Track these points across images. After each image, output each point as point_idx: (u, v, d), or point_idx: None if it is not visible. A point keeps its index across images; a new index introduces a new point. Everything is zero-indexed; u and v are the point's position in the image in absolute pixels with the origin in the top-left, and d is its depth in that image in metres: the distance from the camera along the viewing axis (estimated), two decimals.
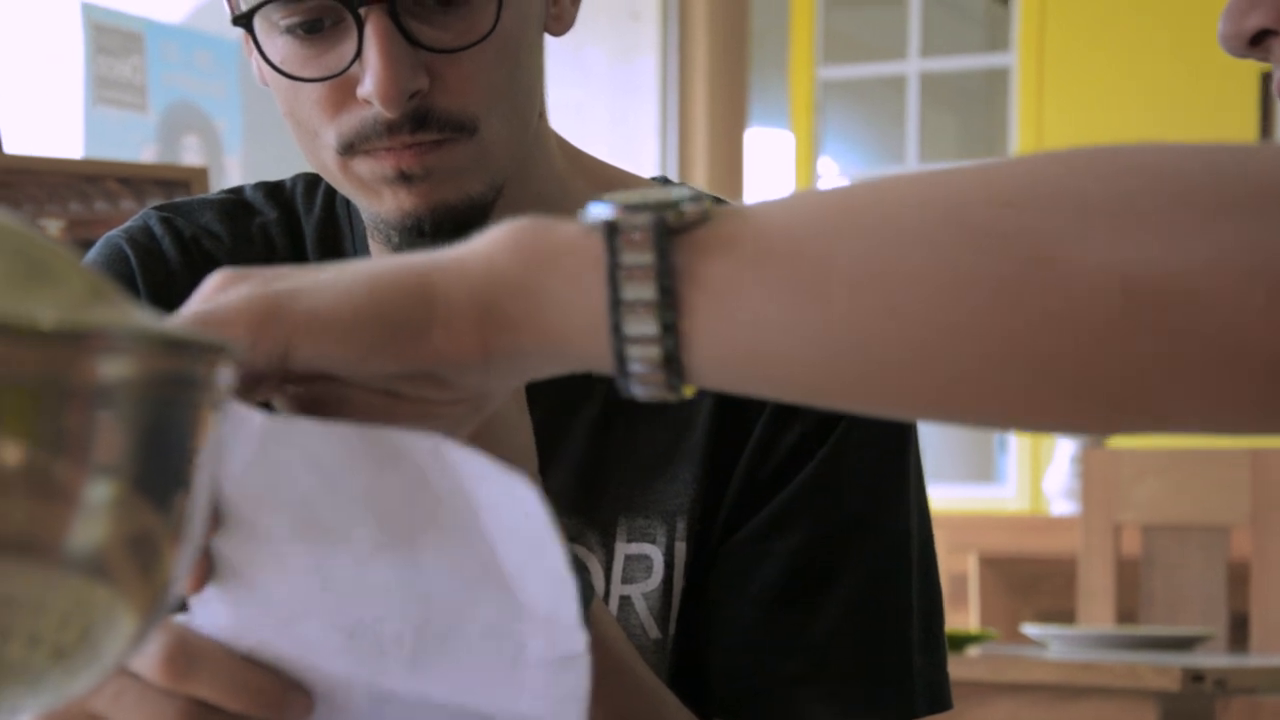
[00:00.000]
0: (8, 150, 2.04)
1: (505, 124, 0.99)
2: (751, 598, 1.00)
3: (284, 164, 1.41)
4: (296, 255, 1.09)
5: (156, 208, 1.10)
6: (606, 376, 0.62)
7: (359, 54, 0.96)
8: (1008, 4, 6.21)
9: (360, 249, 1.08)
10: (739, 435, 1.02)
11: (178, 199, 1.12)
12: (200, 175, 2.19)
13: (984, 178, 0.60)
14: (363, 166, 0.99)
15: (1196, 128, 5.73)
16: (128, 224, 1.09)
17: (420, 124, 0.97)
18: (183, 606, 0.62)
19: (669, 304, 0.59)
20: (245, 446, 0.60)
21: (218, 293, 0.62)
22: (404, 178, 0.98)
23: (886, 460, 1.03)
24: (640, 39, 4.66)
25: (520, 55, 1.00)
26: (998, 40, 6.40)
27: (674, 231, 0.60)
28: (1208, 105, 5.76)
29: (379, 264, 0.62)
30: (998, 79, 6.32)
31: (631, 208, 0.60)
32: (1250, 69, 5.62)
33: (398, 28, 0.95)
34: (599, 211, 0.61)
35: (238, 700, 0.68)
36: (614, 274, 0.60)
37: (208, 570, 0.64)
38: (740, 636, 1.00)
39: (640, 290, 0.60)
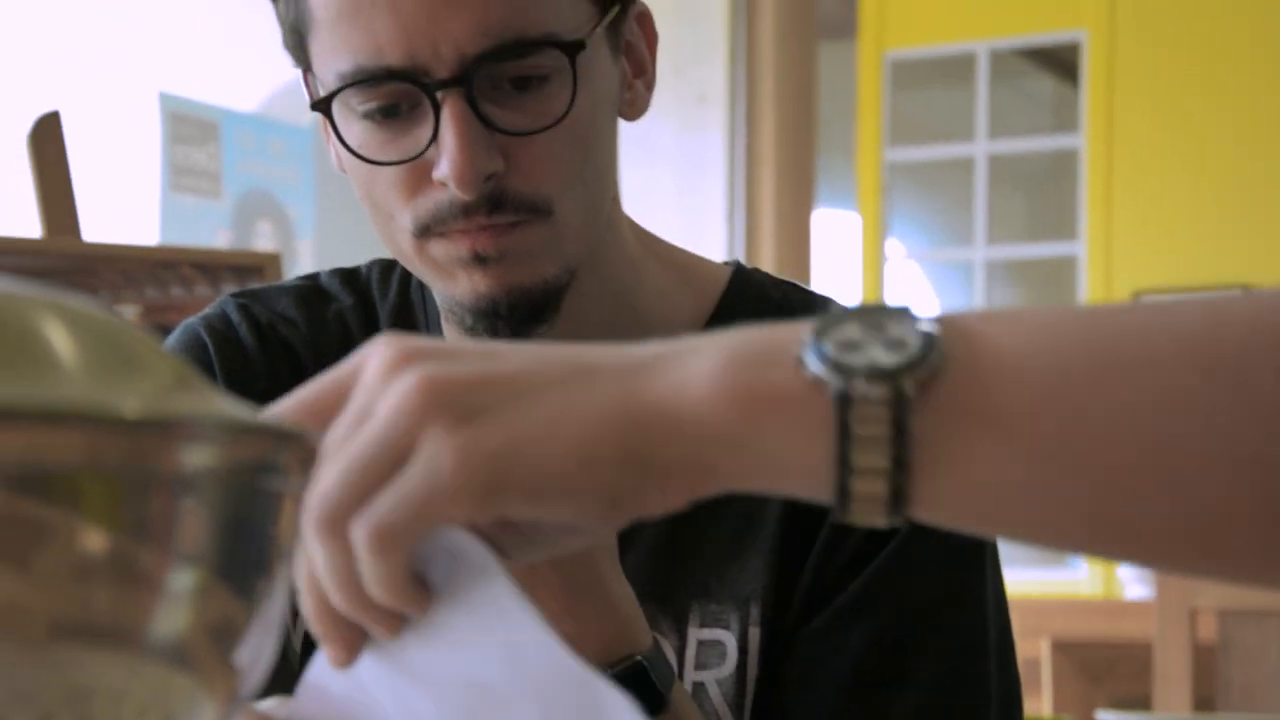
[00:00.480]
0: (86, 238, 2.06)
1: (579, 207, 1.00)
2: (827, 688, 0.99)
3: (356, 248, 1.42)
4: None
5: (234, 295, 1.11)
6: None
7: (435, 137, 0.97)
8: (1075, 85, 6.21)
9: (434, 334, 1.08)
10: (813, 520, 1.01)
11: (255, 286, 1.13)
12: (273, 261, 2.20)
13: (1240, 325, 0.57)
14: (438, 249, 0.99)
15: (1263, 210, 5.69)
16: (206, 311, 1.10)
17: (496, 206, 0.97)
18: (265, 693, 0.62)
19: (902, 470, 0.58)
20: (459, 577, 0.60)
21: (413, 423, 0.58)
22: (479, 259, 0.98)
23: (962, 547, 1.02)
24: (708, 121, 4.68)
25: (594, 139, 1.00)
26: (1065, 122, 6.39)
27: (910, 398, 0.58)
28: (1277, 187, 5.72)
29: (591, 402, 0.59)
30: (1066, 161, 6.31)
31: (863, 373, 0.58)
32: None
33: (474, 111, 0.96)
34: (819, 367, 0.58)
35: None
36: (844, 442, 0.58)
37: (360, 643, 0.63)
38: None
39: (872, 459, 0.58)
